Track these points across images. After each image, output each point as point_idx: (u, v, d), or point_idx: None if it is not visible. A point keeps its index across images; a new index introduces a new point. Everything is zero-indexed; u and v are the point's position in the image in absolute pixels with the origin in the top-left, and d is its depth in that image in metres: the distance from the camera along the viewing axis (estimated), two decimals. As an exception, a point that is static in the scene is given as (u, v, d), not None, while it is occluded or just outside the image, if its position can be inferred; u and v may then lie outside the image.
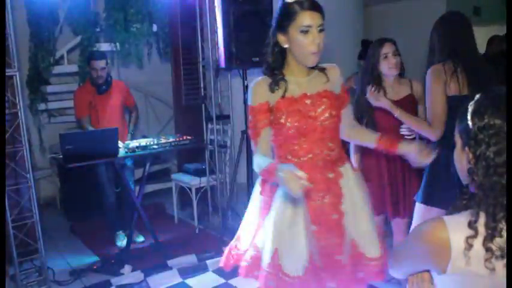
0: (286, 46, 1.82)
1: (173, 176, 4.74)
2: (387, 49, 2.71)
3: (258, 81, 1.88)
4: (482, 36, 6.47)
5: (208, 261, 3.63)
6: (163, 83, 5.71)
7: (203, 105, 4.56)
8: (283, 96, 1.83)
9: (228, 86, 4.55)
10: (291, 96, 1.84)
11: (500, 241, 1.03)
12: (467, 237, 1.04)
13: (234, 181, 4.21)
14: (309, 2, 1.76)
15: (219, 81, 4.56)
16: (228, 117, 4.54)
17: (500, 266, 1.03)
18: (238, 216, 4.29)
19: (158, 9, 5.22)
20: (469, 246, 1.04)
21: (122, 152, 3.57)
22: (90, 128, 3.94)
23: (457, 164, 1.20)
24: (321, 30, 1.76)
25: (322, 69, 1.92)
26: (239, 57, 3.74)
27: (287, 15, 1.77)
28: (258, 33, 3.81)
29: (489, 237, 1.03)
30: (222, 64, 3.83)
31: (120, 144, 3.61)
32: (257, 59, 3.80)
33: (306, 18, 1.74)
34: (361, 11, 7.16)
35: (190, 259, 3.70)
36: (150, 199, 5.09)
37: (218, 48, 3.88)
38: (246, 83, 3.90)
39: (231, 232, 4.19)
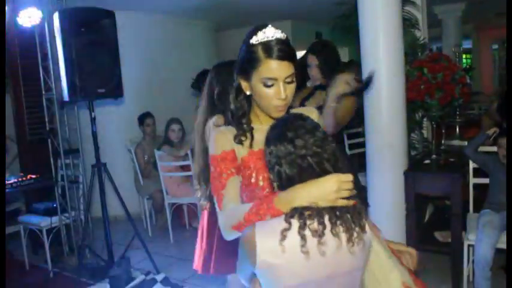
0: (248, 93, 1.51)
1: (20, 218, 4.35)
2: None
3: (221, 130, 1.56)
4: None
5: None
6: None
7: (49, 140, 4.28)
8: (251, 148, 1.53)
9: (75, 119, 4.34)
10: (259, 149, 1.50)
11: (312, 227, 1.23)
12: (282, 230, 1.21)
13: (88, 217, 4.01)
14: (278, 48, 1.40)
15: (65, 114, 4.33)
16: (77, 151, 4.32)
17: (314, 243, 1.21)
18: (96, 253, 4.10)
19: (-8, 37, 4.79)
20: (283, 238, 1.21)
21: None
22: None
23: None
24: (289, 82, 1.44)
25: None
26: (84, 88, 3.58)
27: (249, 60, 1.44)
28: (103, 63, 3.76)
29: (302, 226, 1.22)
30: (66, 97, 3.64)
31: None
32: (103, 90, 3.70)
33: (271, 69, 1.40)
34: (213, 36, 7.44)
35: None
36: (-5, 246, 4.59)
37: (61, 80, 3.69)
38: (93, 115, 3.76)
39: (89, 271, 4.02)
